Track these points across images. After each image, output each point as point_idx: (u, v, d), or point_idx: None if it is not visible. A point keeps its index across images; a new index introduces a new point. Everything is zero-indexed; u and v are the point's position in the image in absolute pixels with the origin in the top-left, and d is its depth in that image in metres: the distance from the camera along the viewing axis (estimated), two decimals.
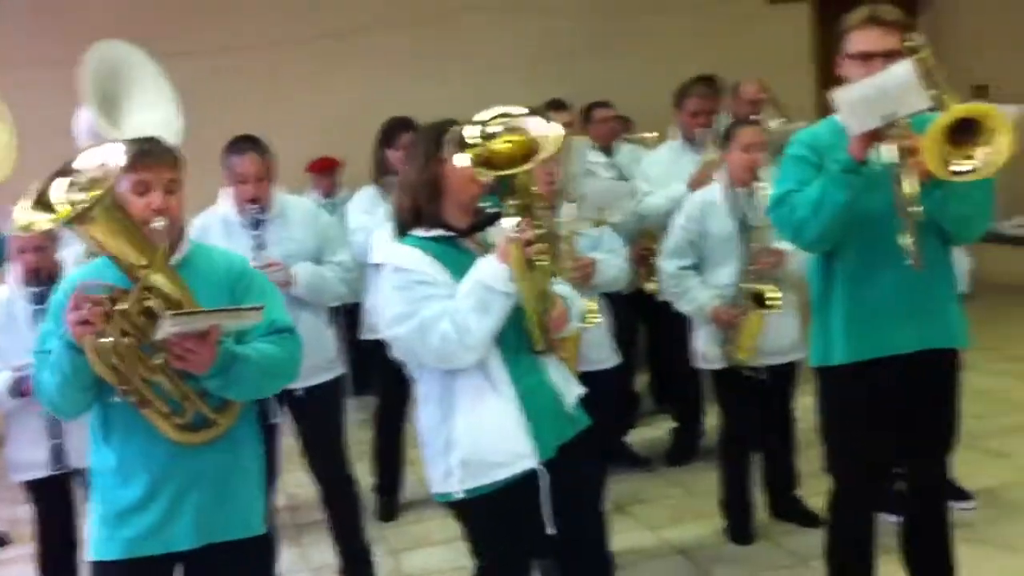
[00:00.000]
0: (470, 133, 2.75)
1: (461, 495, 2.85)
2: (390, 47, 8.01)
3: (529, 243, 2.72)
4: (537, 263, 2.77)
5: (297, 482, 5.00)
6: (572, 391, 3.01)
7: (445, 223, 2.89)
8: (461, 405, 2.84)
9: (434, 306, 2.77)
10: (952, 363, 3.27)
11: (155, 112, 6.03)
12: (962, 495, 4.50)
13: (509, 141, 2.75)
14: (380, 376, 5.03)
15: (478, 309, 2.74)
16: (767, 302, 4.19)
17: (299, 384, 4.02)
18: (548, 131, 2.75)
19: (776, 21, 8.90)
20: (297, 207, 4.28)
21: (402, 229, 2.93)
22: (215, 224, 4.14)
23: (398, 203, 2.96)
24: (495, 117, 2.77)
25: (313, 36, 7.87)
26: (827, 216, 3.03)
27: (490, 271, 2.76)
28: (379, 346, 4.77)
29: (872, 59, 3.07)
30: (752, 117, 5.86)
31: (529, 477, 2.83)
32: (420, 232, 2.89)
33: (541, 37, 8.32)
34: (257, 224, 4.06)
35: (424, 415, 2.93)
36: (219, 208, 4.20)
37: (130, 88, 5.64)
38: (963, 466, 4.64)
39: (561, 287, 3.04)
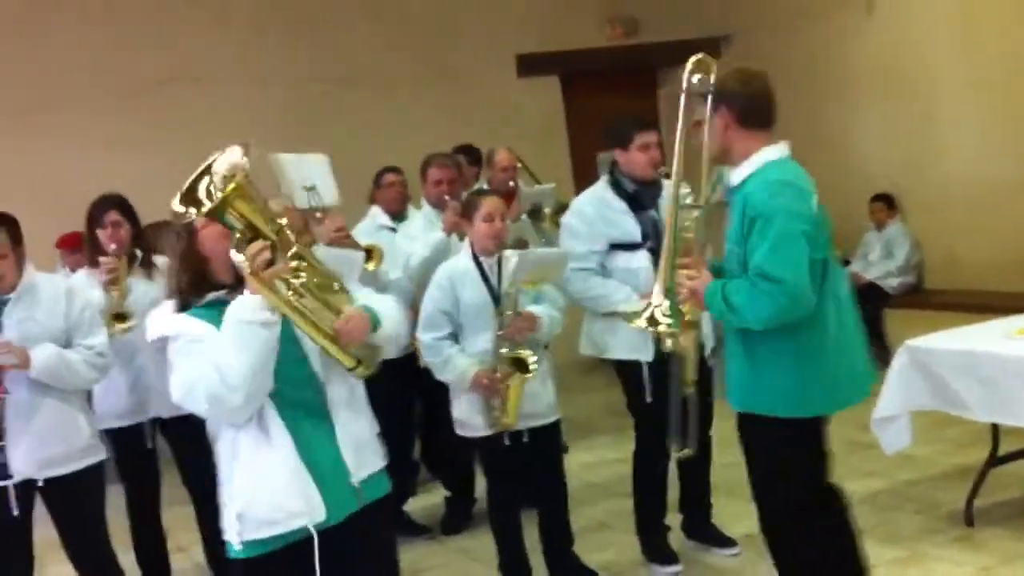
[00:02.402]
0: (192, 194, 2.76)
1: (239, 548, 2.84)
2: (114, 118, 7.82)
3: (269, 264, 2.72)
4: (291, 280, 2.79)
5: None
6: (363, 464, 2.98)
7: (219, 284, 2.90)
8: (241, 458, 2.85)
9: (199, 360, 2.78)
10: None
11: None
12: (726, 542, 4.72)
13: (224, 188, 2.76)
14: (123, 463, 4.79)
15: (236, 346, 2.73)
16: (528, 367, 4.26)
17: (44, 474, 3.90)
18: (233, 158, 2.77)
19: (528, 93, 9.24)
20: (47, 287, 4.04)
21: (185, 307, 2.91)
22: None
23: (176, 286, 2.93)
24: (201, 174, 2.79)
25: (47, 104, 7.57)
26: None
27: (242, 306, 2.77)
28: (110, 435, 4.62)
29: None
30: (511, 184, 6.09)
31: (307, 540, 2.83)
32: (197, 304, 2.89)
33: (282, 108, 8.29)
34: None
35: (220, 472, 2.95)
36: None
37: None
38: (725, 514, 4.89)
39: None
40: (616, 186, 4.58)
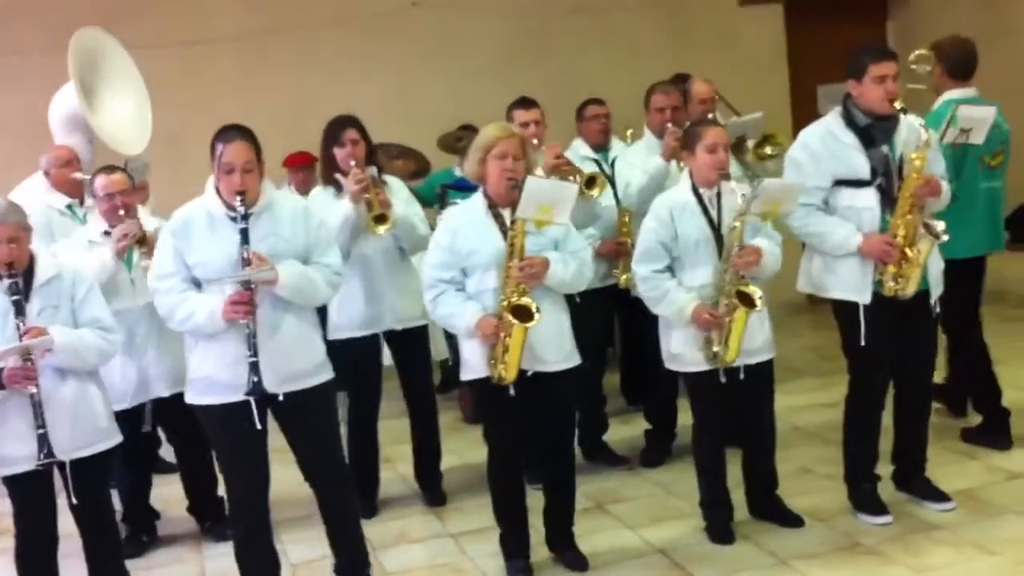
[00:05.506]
0: None
1: None
2: (347, 43, 7.98)
3: None
4: None
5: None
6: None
7: None
8: None
9: None
10: None
11: (127, 101, 6.01)
12: (940, 496, 4.54)
13: None
14: (349, 375, 4.89)
15: None
16: (754, 301, 4.19)
17: (283, 388, 3.91)
18: None
19: (749, 21, 8.95)
20: (286, 203, 4.06)
21: None
22: (199, 216, 3.90)
23: None
24: None
25: (283, 28, 7.81)
26: None
27: None
28: (344, 346, 4.83)
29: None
30: (710, 116, 5.87)
31: None
32: None
33: (509, 35, 8.31)
34: (244, 217, 3.80)
35: None
36: (204, 199, 3.94)
37: (107, 76, 5.59)
38: (940, 468, 4.73)
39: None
40: (848, 119, 4.38)
